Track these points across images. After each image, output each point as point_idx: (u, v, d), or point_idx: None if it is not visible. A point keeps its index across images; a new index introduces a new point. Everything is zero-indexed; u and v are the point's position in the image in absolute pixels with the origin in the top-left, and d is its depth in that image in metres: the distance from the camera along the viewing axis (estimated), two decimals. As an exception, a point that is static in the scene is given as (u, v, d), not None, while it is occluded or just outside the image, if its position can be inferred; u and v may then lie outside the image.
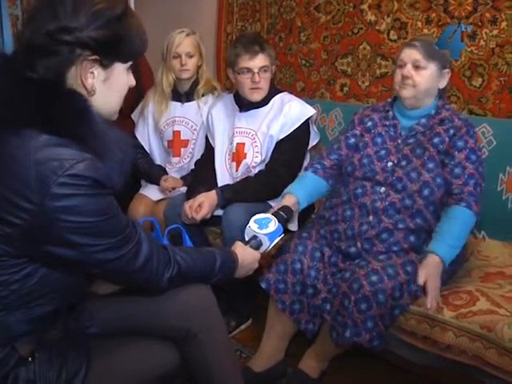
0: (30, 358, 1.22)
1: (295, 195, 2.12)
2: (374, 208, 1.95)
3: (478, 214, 1.88)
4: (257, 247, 1.62)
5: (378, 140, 2.08)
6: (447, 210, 1.89)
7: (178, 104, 2.79)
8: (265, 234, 1.64)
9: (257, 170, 2.45)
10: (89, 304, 1.42)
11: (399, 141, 2.04)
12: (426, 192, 1.92)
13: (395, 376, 2.09)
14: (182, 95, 2.78)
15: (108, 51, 1.15)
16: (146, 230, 2.34)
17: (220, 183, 2.47)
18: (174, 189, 2.68)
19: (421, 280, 1.78)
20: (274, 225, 1.67)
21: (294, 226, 2.40)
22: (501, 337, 1.58)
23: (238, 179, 2.46)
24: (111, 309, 1.44)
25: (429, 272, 1.79)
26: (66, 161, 1.07)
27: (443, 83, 2.04)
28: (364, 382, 2.12)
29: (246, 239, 1.66)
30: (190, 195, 2.40)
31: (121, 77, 1.22)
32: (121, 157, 1.19)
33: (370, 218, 1.95)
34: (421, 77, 1.98)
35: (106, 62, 1.16)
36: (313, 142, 2.54)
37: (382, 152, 2.05)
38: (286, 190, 2.19)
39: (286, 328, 2.05)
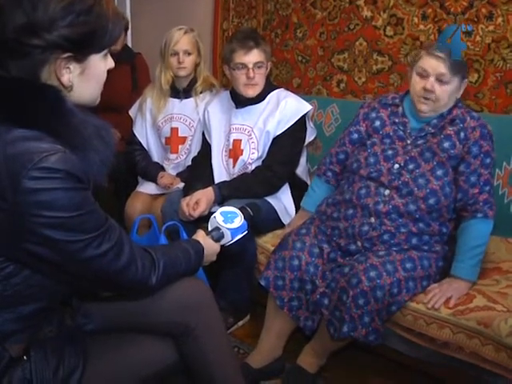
0: (25, 357, 1.19)
1: (311, 212, 2.24)
2: (376, 210, 1.93)
3: (494, 217, 1.89)
4: (217, 239, 1.59)
5: (387, 140, 2.02)
6: (465, 227, 1.89)
7: (176, 101, 2.78)
8: (228, 229, 1.59)
9: (254, 167, 2.44)
10: (86, 301, 1.42)
11: (408, 141, 1.98)
12: (431, 201, 1.89)
13: (394, 371, 2.09)
14: (180, 92, 2.78)
15: (81, 47, 1.11)
16: (142, 226, 2.39)
17: (217, 180, 2.47)
18: (172, 184, 2.69)
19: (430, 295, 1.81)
20: (239, 221, 1.62)
21: (289, 221, 2.40)
22: (498, 332, 1.59)
23: (234, 176, 2.46)
24: (108, 305, 1.43)
25: (444, 285, 1.82)
26: (36, 154, 1.02)
27: (460, 93, 1.95)
28: (362, 377, 2.12)
29: (209, 229, 1.62)
30: (186, 192, 2.40)
31: (98, 66, 1.17)
32: (102, 148, 1.16)
33: (372, 219, 1.93)
34: (443, 92, 1.88)
35: (80, 57, 1.12)
36: (309, 138, 2.54)
37: (389, 152, 1.99)
38: (302, 205, 2.30)
39: (285, 325, 2.05)
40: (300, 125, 2.44)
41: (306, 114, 2.45)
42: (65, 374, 1.23)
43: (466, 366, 1.73)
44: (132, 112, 2.92)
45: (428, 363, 1.86)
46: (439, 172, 1.91)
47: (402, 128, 2.01)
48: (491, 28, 2.39)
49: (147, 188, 2.78)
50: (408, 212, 1.90)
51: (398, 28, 2.69)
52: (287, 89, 2.61)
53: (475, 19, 2.42)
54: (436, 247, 1.92)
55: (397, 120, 2.03)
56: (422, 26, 2.61)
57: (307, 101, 2.52)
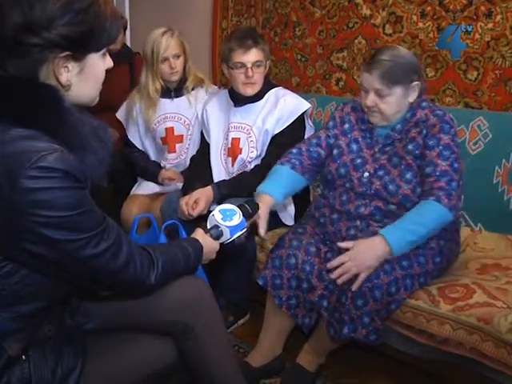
0: (23, 357, 1.19)
1: (270, 195, 1.98)
2: (358, 214, 1.94)
3: (452, 208, 1.79)
4: (217, 237, 1.59)
5: (354, 147, 2.03)
6: (416, 206, 1.83)
7: (168, 100, 2.74)
8: (227, 227, 1.60)
9: (253, 165, 2.44)
10: (85, 300, 1.42)
11: (376, 149, 1.98)
12: (407, 205, 1.88)
13: (393, 369, 2.09)
14: (172, 91, 2.74)
15: (80, 46, 1.11)
16: (142, 225, 2.39)
17: (216, 178, 2.47)
18: (173, 179, 2.68)
19: (343, 245, 1.82)
20: (238, 218, 1.62)
21: (289, 220, 2.41)
22: (498, 329, 1.59)
23: (233, 174, 2.46)
24: (108, 305, 1.43)
25: (361, 245, 1.79)
26: (34, 153, 1.02)
27: (413, 96, 1.90)
28: (361, 375, 2.12)
29: (208, 227, 1.62)
30: (185, 191, 2.39)
31: (96, 65, 1.18)
32: (99, 148, 1.16)
33: (357, 222, 1.94)
34: (386, 104, 1.87)
35: (78, 56, 1.13)
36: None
37: (358, 161, 2.00)
38: (259, 189, 2.03)
39: (284, 323, 2.05)
40: (299, 123, 2.44)
41: (304, 112, 2.45)
42: (63, 373, 1.23)
43: (465, 363, 1.73)
44: (120, 115, 2.87)
45: (428, 361, 1.86)
46: (408, 175, 1.90)
47: (369, 135, 2.01)
48: (490, 26, 2.39)
49: (145, 188, 2.77)
50: (390, 211, 1.91)
51: (397, 26, 2.69)
52: (286, 87, 2.61)
53: (474, 17, 2.42)
54: (431, 244, 1.90)
55: (363, 127, 2.04)
56: (421, 24, 2.61)
57: (306, 99, 2.52)
